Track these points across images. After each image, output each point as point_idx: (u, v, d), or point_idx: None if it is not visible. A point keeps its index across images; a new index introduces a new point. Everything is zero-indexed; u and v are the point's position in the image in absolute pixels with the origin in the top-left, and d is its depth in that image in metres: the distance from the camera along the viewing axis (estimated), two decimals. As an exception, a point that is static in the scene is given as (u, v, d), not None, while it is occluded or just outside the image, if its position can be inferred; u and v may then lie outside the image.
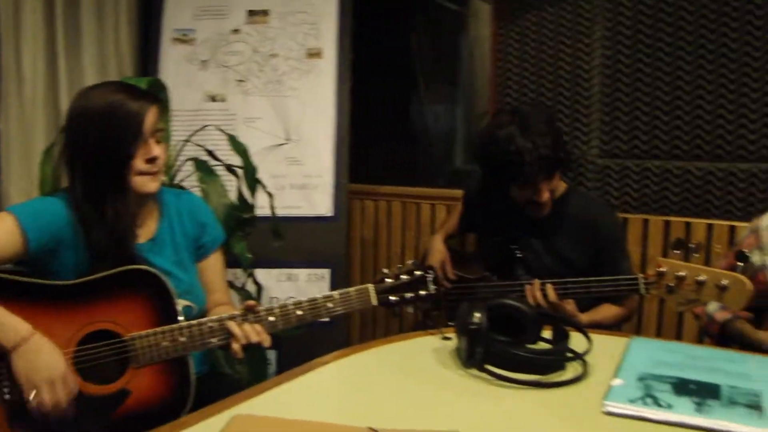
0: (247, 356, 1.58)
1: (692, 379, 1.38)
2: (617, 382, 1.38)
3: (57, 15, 2.86)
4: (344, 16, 3.14)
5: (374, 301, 1.59)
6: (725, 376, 1.40)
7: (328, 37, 3.13)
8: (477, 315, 1.47)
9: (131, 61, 3.18)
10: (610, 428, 1.23)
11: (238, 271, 2.73)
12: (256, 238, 2.66)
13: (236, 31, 3.15)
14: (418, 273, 1.62)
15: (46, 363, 1.41)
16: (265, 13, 3.15)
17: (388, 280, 1.61)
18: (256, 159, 2.66)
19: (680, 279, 1.67)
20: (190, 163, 2.60)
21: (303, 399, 1.38)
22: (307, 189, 3.07)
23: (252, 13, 3.15)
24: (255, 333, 1.54)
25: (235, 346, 1.54)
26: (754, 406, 1.26)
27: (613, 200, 2.84)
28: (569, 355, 1.51)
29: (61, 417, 1.43)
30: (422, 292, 1.62)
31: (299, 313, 1.57)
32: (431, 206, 3.26)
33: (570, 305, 2.07)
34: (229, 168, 2.63)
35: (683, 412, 1.24)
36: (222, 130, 2.70)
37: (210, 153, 2.66)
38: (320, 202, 3.07)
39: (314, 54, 3.13)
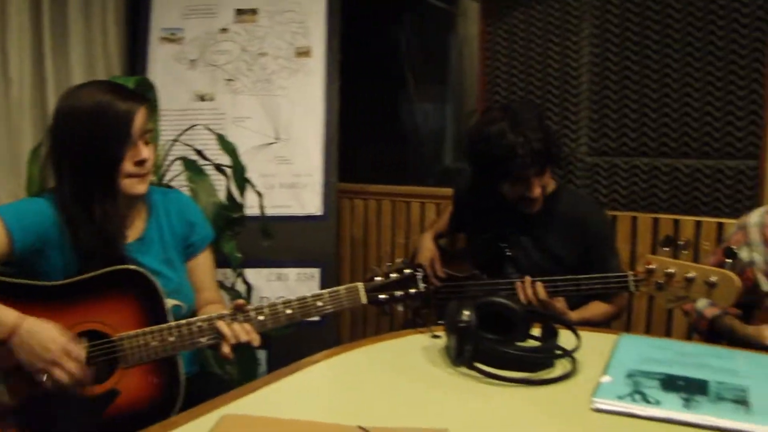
0: (236, 356, 1.58)
1: (680, 376, 1.39)
2: (606, 378, 1.38)
3: (43, 14, 2.84)
4: (333, 14, 3.14)
5: (364, 300, 1.59)
6: (713, 372, 1.41)
7: (316, 35, 3.13)
8: (466, 313, 1.47)
9: (119, 61, 3.17)
10: (598, 425, 1.23)
11: (228, 271, 2.72)
12: (246, 237, 2.66)
13: (225, 30, 3.14)
14: (407, 271, 1.62)
15: (43, 345, 1.39)
16: (253, 12, 3.14)
17: (378, 279, 1.61)
18: (245, 158, 2.65)
19: (669, 276, 1.67)
20: (178, 162, 2.60)
21: (292, 398, 1.38)
22: (296, 188, 3.07)
23: (240, 12, 3.14)
24: (244, 332, 1.54)
25: (225, 347, 1.53)
26: (741, 402, 1.26)
27: (602, 198, 2.85)
28: (558, 352, 1.52)
29: (81, 382, 1.43)
30: (412, 290, 1.61)
31: (289, 312, 1.57)
32: (421, 205, 3.26)
33: (560, 303, 2.07)
34: (218, 167, 2.63)
35: (671, 408, 1.24)
36: (211, 130, 2.69)
37: (199, 152, 2.65)
38: (310, 201, 3.07)
39: (303, 53, 3.12)
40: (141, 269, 1.54)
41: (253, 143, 3.06)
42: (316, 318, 1.64)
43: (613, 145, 2.82)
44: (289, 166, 3.07)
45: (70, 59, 2.96)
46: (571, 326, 1.62)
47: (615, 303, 2.22)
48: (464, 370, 1.46)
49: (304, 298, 1.57)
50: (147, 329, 1.50)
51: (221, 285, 2.61)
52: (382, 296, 1.60)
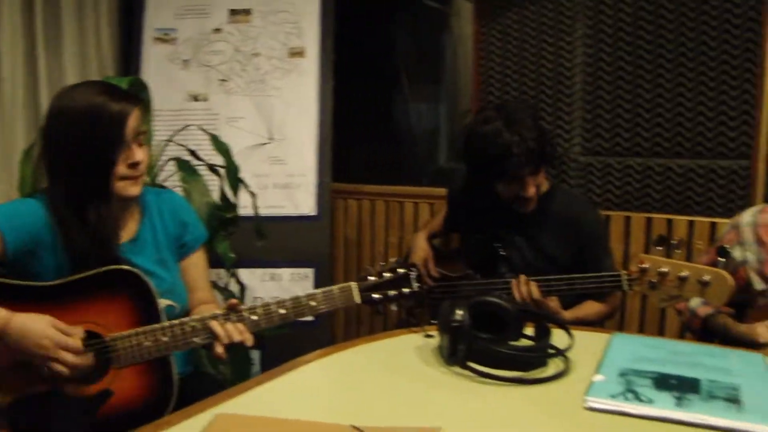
0: (230, 356, 1.57)
1: (673, 374, 1.39)
2: (598, 377, 1.39)
3: (36, 13, 2.83)
4: (326, 14, 3.14)
5: (357, 299, 1.59)
6: (705, 371, 1.41)
7: (310, 36, 3.13)
8: (459, 312, 1.47)
9: (112, 61, 3.16)
10: (591, 423, 1.24)
11: (222, 271, 2.72)
12: (239, 237, 2.65)
13: (218, 30, 3.14)
14: (401, 271, 1.62)
15: (34, 341, 1.39)
16: (247, 12, 3.14)
17: (372, 278, 1.60)
18: (238, 158, 2.65)
19: (662, 275, 1.68)
20: (172, 162, 2.59)
21: (286, 397, 1.38)
22: (290, 188, 3.07)
23: (234, 12, 3.14)
24: (237, 332, 1.53)
25: (218, 347, 1.53)
26: (733, 400, 1.27)
27: (596, 197, 2.86)
28: (551, 351, 1.52)
29: (81, 371, 1.44)
30: (405, 290, 1.61)
31: (282, 311, 1.56)
32: (414, 205, 3.26)
33: (554, 302, 2.07)
34: (212, 168, 2.62)
35: (663, 406, 1.25)
36: (204, 130, 2.69)
37: (192, 153, 2.64)
38: (303, 202, 3.07)
39: (297, 53, 3.12)
40: (134, 269, 1.54)
41: (247, 143, 3.06)
42: (309, 318, 1.64)
43: (607, 145, 2.83)
44: (282, 166, 3.07)
45: (63, 59, 2.95)
46: (564, 325, 1.63)
47: (608, 302, 2.23)
48: (457, 369, 1.47)
49: (298, 297, 1.57)
50: (140, 329, 1.50)
51: (215, 285, 2.61)
52: (375, 296, 1.60)
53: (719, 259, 1.80)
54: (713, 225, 2.65)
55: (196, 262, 1.82)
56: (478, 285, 2.23)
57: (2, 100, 2.76)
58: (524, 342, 1.63)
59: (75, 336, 1.44)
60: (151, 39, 3.15)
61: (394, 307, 1.64)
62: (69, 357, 1.41)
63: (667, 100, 2.70)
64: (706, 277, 1.61)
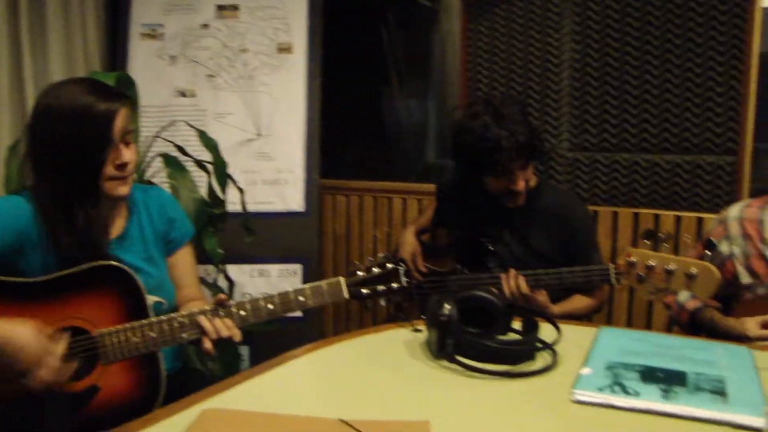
0: (219, 352, 1.57)
1: (659, 367, 1.40)
2: (586, 371, 1.39)
3: (21, 9, 2.81)
4: (314, 11, 3.14)
5: (346, 294, 1.59)
6: (692, 364, 1.42)
7: (298, 32, 3.12)
8: (447, 307, 1.47)
9: (99, 57, 3.15)
10: (579, 416, 1.24)
11: (210, 267, 2.71)
12: (228, 233, 2.65)
13: (206, 26, 3.13)
14: (389, 266, 1.62)
15: (16, 352, 1.33)
16: (234, 8, 3.13)
17: (360, 273, 1.61)
18: (226, 154, 2.64)
19: (650, 268, 1.69)
20: (159, 158, 2.58)
21: (274, 392, 1.38)
22: (278, 184, 3.06)
23: (221, 7, 3.13)
24: (226, 328, 1.53)
25: (207, 343, 1.53)
26: (719, 392, 1.28)
27: (583, 193, 2.87)
28: (539, 345, 1.52)
29: (61, 379, 1.40)
30: (394, 285, 1.61)
31: (270, 307, 1.56)
32: (403, 201, 3.26)
33: (542, 296, 2.08)
34: (200, 164, 2.61)
35: (650, 399, 1.25)
36: (192, 126, 2.68)
37: (180, 149, 2.63)
38: (292, 198, 3.06)
39: (285, 49, 3.12)
40: (122, 265, 1.53)
41: (235, 139, 3.05)
42: (299, 314, 1.64)
43: (594, 140, 2.84)
44: (270, 162, 3.07)
45: (49, 55, 2.93)
46: (552, 319, 1.63)
47: (596, 296, 2.24)
48: (445, 363, 1.47)
49: (286, 293, 1.57)
50: (128, 325, 1.49)
51: (203, 281, 2.60)
52: (364, 291, 1.60)
53: (706, 252, 1.81)
54: (700, 220, 2.67)
55: (184, 259, 1.82)
56: (466, 280, 2.23)
57: (-12, 97, 2.74)
58: (512, 336, 1.64)
59: (58, 344, 1.42)
60: (138, 35, 3.13)
61: (382, 302, 1.64)
62: (52, 369, 1.37)
63: (654, 96, 2.72)
64: (693, 270, 1.62)
